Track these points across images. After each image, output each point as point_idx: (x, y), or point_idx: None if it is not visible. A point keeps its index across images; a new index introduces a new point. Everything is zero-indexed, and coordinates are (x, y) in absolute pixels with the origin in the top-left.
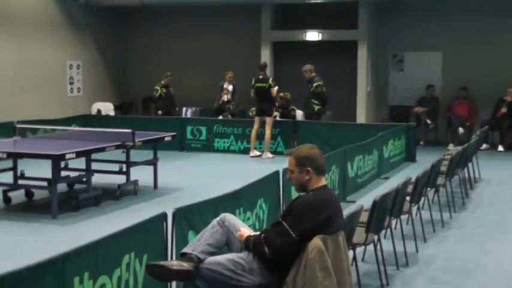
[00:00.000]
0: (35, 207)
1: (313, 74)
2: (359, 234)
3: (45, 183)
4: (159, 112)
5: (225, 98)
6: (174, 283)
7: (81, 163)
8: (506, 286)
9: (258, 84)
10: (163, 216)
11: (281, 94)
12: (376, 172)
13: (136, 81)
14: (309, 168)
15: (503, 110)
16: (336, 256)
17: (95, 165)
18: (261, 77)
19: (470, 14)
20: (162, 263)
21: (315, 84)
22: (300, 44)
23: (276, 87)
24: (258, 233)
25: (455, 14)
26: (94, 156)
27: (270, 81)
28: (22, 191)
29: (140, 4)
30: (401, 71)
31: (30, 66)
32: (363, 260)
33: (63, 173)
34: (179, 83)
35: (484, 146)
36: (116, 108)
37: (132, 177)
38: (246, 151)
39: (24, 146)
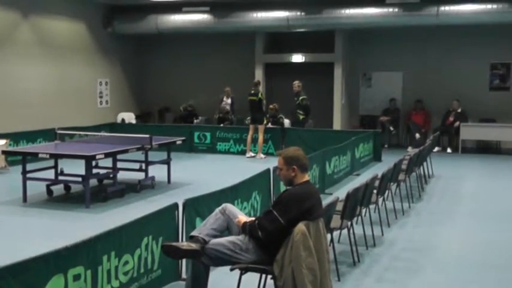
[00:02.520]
0: (71, 199)
1: (300, 89)
2: (335, 221)
3: (79, 179)
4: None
5: (227, 108)
6: (184, 260)
7: (108, 162)
8: (453, 260)
9: (250, 98)
10: (175, 206)
11: (270, 106)
12: (349, 170)
13: (153, 95)
14: (295, 167)
15: (451, 119)
16: (316, 238)
17: (119, 164)
18: (252, 91)
19: (424, 41)
20: (174, 243)
21: (300, 98)
22: (287, 65)
23: (264, 101)
24: (253, 219)
25: (412, 41)
26: (119, 156)
27: (259, 95)
28: (61, 185)
29: (156, 32)
30: (370, 87)
31: (68, 83)
32: (338, 241)
33: (94, 171)
34: (187, 98)
35: (436, 148)
36: (137, 117)
37: (150, 174)
38: (243, 152)
39: (63, 148)
